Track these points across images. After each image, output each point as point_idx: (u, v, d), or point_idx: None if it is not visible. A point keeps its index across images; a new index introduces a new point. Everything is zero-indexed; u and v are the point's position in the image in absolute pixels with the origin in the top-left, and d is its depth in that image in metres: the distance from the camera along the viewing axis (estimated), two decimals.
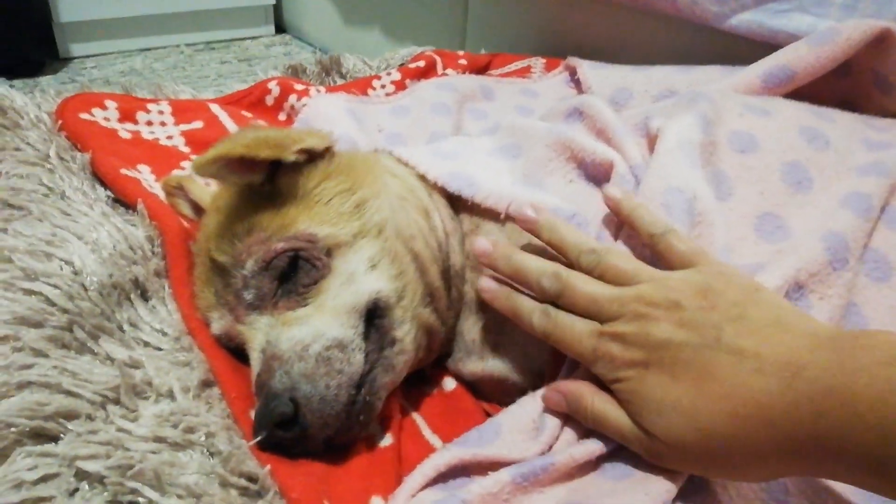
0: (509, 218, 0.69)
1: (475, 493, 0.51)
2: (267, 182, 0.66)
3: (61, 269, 0.63)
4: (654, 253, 0.60)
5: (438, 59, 1.27)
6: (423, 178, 0.74)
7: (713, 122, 0.72)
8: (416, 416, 0.69)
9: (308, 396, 0.56)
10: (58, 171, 0.80)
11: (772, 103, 0.80)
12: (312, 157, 0.68)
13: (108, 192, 0.80)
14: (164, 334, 0.64)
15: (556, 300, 0.59)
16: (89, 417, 0.54)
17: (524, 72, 1.32)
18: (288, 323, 0.60)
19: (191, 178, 0.83)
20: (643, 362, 0.52)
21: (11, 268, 0.62)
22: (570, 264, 0.60)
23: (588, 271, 0.59)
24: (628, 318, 0.54)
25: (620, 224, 0.64)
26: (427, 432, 0.67)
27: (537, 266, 0.60)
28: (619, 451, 0.55)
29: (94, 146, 0.84)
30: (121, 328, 0.63)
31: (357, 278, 0.63)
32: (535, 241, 0.67)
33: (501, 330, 0.69)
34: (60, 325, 0.59)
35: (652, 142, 0.72)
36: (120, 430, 0.53)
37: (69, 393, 0.54)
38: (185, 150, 0.96)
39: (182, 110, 1.01)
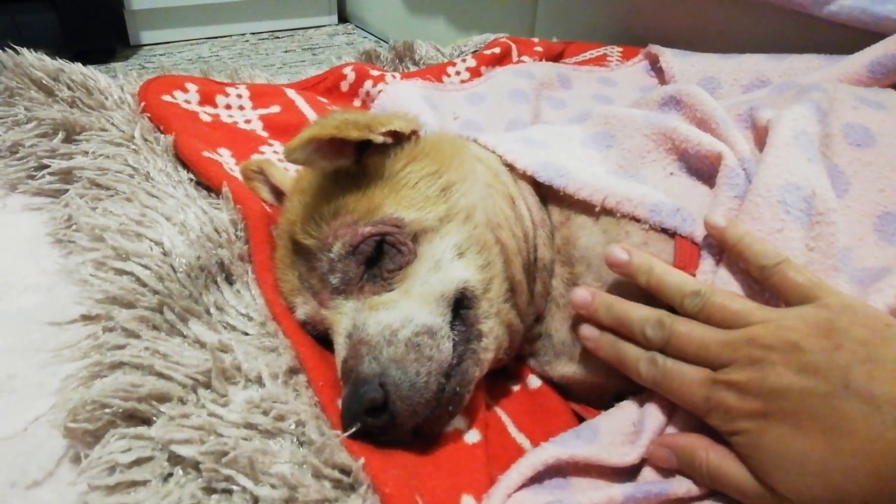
0: (605, 211, 0.65)
1: None
2: (353, 165, 0.64)
3: (151, 249, 0.63)
4: (767, 288, 0.54)
5: (513, 46, 1.24)
6: (509, 165, 0.72)
7: (827, 114, 0.67)
8: (501, 413, 0.66)
9: (398, 383, 0.54)
10: (142, 151, 0.80)
11: (885, 95, 0.75)
12: (399, 139, 0.66)
13: (191, 175, 0.80)
14: (250, 319, 0.63)
15: (663, 349, 0.55)
16: (181, 401, 0.53)
17: (600, 60, 1.28)
18: (374, 307, 0.59)
19: (270, 161, 0.82)
20: (761, 413, 0.47)
21: (103, 247, 0.62)
22: (673, 308, 0.56)
23: (693, 315, 0.54)
24: (742, 364, 0.49)
25: None
26: (513, 430, 0.64)
27: (640, 315, 0.57)
28: None
29: (177, 128, 0.84)
30: (208, 311, 0.62)
31: (443, 265, 0.61)
32: (634, 236, 0.63)
33: None
34: (151, 307, 0.59)
35: (760, 133, 0.67)
36: (212, 414, 0.52)
37: (161, 375, 0.54)
38: (263, 134, 0.95)
39: (259, 94, 1.01)
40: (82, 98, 0.86)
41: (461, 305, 0.61)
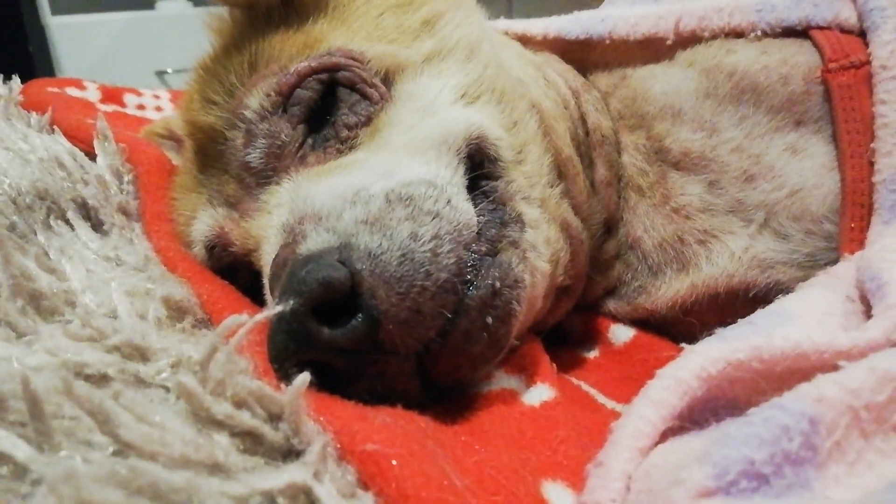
0: (683, 42, 0.42)
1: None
2: (282, 5, 0.41)
3: None
4: None
5: None
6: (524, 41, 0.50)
7: None
8: (581, 384, 0.38)
9: (376, 252, 0.27)
10: None
11: None
12: None
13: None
14: (119, 263, 0.37)
15: None
16: None
17: None
18: (325, 173, 0.34)
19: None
20: None
21: None
22: None
23: None
24: None
25: None
26: (602, 399, 0.36)
27: None
28: None
29: (58, 106, 0.61)
30: (46, 254, 0.36)
31: (440, 107, 0.37)
32: (742, 51, 0.40)
33: (712, 205, 0.40)
34: None
35: None
36: None
37: None
38: None
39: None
40: None
41: (480, 168, 0.35)
